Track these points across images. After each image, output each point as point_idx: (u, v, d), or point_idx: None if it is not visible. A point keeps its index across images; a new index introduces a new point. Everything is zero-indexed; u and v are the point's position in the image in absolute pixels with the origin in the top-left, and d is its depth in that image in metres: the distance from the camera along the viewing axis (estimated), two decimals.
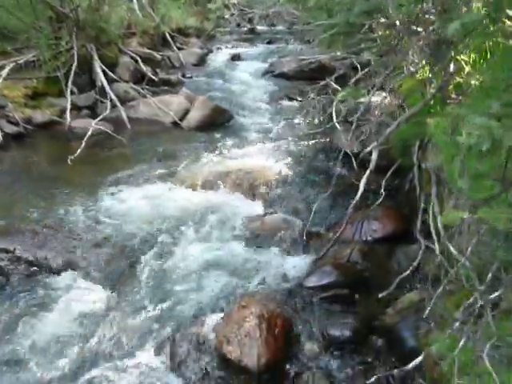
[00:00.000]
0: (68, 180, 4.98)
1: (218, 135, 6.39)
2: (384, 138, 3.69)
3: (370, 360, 2.67)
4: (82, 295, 3.24)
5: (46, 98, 7.26)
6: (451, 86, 3.32)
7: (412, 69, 4.33)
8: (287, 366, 2.53)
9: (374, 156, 3.71)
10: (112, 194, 4.62)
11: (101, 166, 5.45)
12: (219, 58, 12.10)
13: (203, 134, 6.50)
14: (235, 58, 11.95)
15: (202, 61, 11.34)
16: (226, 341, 2.51)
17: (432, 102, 3.37)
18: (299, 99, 8.24)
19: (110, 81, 7.60)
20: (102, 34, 8.01)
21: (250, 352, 2.43)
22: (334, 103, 5.15)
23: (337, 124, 5.12)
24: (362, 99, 5.80)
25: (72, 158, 5.17)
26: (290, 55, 11.01)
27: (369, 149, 3.69)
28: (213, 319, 2.81)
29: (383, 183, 3.96)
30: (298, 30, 13.15)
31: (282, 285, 3.23)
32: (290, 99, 8.35)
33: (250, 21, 16.97)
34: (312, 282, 3.16)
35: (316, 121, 6.03)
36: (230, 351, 2.48)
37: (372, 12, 5.69)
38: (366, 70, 6.30)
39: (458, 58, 3.38)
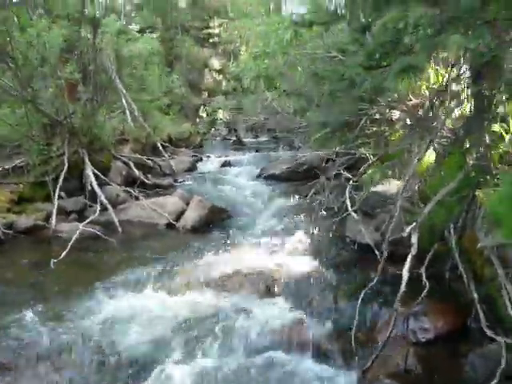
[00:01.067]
0: (48, 287, 4.32)
1: (216, 235, 5.91)
2: (423, 217, 3.26)
3: None
4: None
5: (32, 203, 6.85)
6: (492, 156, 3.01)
7: (436, 146, 4.13)
8: None
9: (414, 239, 3.24)
10: (100, 302, 3.92)
11: (88, 271, 4.81)
12: (209, 164, 12.17)
13: (201, 234, 6.02)
14: (225, 164, 12.04)
15: (192, 167, 11.35)
16: None
17: (473, 174, 3.03)
18: (297, 197, 8.02)
19: (102, 184, 7.28)
20: (95, 141, 7.90)
21: None
22: (347, 191, 4.82)
23: (353, 213, 4.72)
24: (377, 188, 5.55)
25: (55, 261, 4.56)
26: (279, 160, 11.13)
27: (407, 230, 3.23)
28: None
29: (423, 272, 3.44)
30: (284, 136, 13.60)
31: None
32: (287, 198, 8.09)
33: (236, 133, 17.63)
34: None
35: (323, 212, 5.68)
36: None
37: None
38: (366, 164, 6.20)
39: (496, 127, 3.14)
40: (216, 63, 19.40)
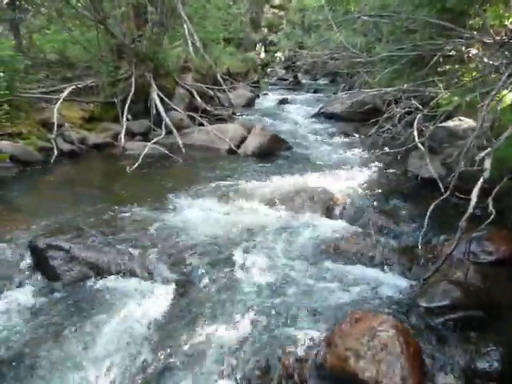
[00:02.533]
0: (123, 191, 4.63)
1: (277, 162, 6.02)
2: (500, 142, 3.17)
3: None
4: (143, 300, 2.71)
5: (102, 123, 7.18)
6: None
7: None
8: None
9: (487, 164, 3.17)
10: (171, 206, 4.20)
11: (157, 182, 5.10)
12: (267, 101, 12.11)
13: (262, 160, 6.13)
14: (283, 101, 11.91)
15: (250, 103, 11.34)
16: (355, 355, 1.89)
17: None
18: (357, 136, 7.91)
19: (166, 110, 7.47)
20: (160, 66, 8.03)
21: (391, 371, 1.80)
22: (416, 122, 4.69)
23: (420, 145, 4.62)
24: (447, 123, 5.38)
25: (130, 169, 4.85)
26: (340, 99, 10.83)
27: (482, 154, 3.15)
28: (315, 336, 2.20)
29: (490, 201, 3.40)
30: (345, 78, 13.13)
31: (391, 303, 2.61)
32: (347, 136, 7.98)
33: (294, 73, 17.22)
34: (429, 301, 2.53)
35: (386, 149, 5.61)
36: (362, 369, 1.85)
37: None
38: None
39: None
40: None
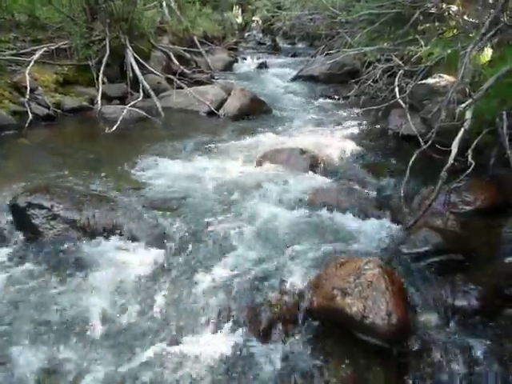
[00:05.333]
0: (102, 152, 4.55)
1: (259, 122, 5.98)
2: (481, 93, 3.21)
3: (500, 335, 2.09)
4: (127, 257, 2.71)
5: (76, 87, 6.95)
6: None
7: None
8: (412, 337, 1.96)
9: (469, 115, 3.23)
10: (151, 164, 4.16)
11: (135, 142, 5.03)
12: (246, 66, 11.90)
13: (242, 121, 6.09)
14: (262, 65, 11.72)
15: (228, 66, 11.12)
16: (342, 293, 1.95)
17: None
18: (337, 97, 7.89)
19: (143, 73, 7.27)
20: (134, 27, 7.76)
21: (377, 307, 1.86)
22: (397, 78, 4.70)
23: (401, 101, 4.64)
24: (427, 81, 5.40)
25: (109, 130, 4.75)
26: (318, 62, 10.74)
27: (463, 106, 3.20)
28: (301, 280, 2.25)
29: (470, 152, 3.47)
30: (323, 40, 12.95)
31: (374, 250, 2.69)
32: (327, 97, 7.96)
33: (272, 37, 16.89)
34: (411, 247, 2.61)
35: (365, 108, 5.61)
36: (349, 305, 1.91)
37: None
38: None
39: None
40: None
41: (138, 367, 1.93)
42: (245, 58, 13.19)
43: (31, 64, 6.24)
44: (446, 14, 6.18)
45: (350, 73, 9.28)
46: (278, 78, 9.98)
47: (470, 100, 3.26)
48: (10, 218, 3.00)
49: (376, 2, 7.16)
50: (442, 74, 5.64)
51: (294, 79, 9.91)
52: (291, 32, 16.54)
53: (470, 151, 3.58)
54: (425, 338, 2.00)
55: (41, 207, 2.95)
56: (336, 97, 7.88)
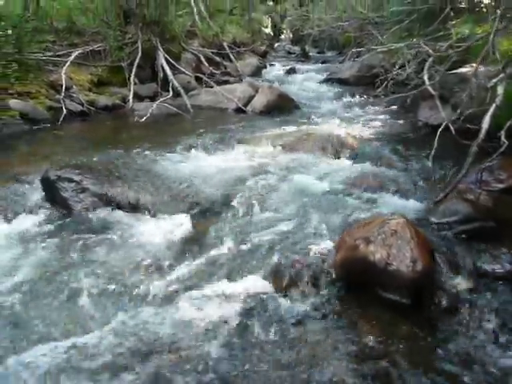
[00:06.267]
0: (131, 140, 4.65)
1: (286, 117, 5.98)
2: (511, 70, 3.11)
3: None
4: (155, 228, 2.73)
5: (110, 87, 7.19)
6: None
7: None
8: (438, 295, 1.88)
9: (500, 90, 3.14)
10: (179, 152, 4.21)
11: (165, 134, 5.11)
12: (274, 71, 12.00)
13: (270, 116, 6.11)
14: (291, 71, 11.77)
15: (257, 71, 11.22)
16: (364, 242, 1.89)
17: None
18: (365, 96, 7.82)
19: (173, 73, 7.45)
20: (166, 30, 7.99)
21: (401, 254, 1.80)
22: (426, 66, 4.61)
23: (430, 88, 4.54)
24: (456, 70, 5.29)
25: (140, 120, 4.86)
26: (347, 66, 10.74)
27: (495, 80, 3.11)
28: (328, 243, 2.21)
29: (503, 133, 3.35)
30: (353, 46, 12.92)
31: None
32: (356, 96, 7.90)
33: (302, 45, 17.02)
34: (441, 217, 2.52)
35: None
36: (372, 252, 1.86)
37: None
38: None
39: None
40: None
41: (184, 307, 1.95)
42: (273, 65, 13.32)
43: (67, 64, 6.51)
44: (478, 8, 6.07)
45: (378, 75, 9.18)
46: (306, 81, 9.99)
47: (501, 75, 3.16)
48: (42, 190, 3.08)
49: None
50: (474, 64, 5.49)
51: (323, 82, 9.90)
52: (320, 40, 16.66)
53: (502, 132, 3.48)
54: (452, 297, 1.91)
55: (70, 180, 3.04)
56: (365, 96, 7.81)
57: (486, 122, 3.09)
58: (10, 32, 5.29)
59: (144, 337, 1.84)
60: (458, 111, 4.32)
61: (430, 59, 4.76)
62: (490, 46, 3.82)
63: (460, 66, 5.42)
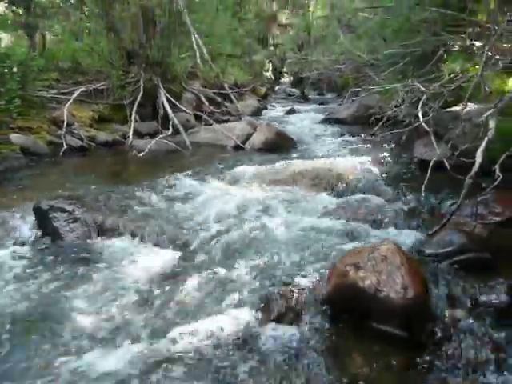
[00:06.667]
0: (129, 175, 4.71)
1: (284, 154, 6.03)
2: (504, 102, 3.17)
3: None
4: (146, 258, 2.69)
5: (111, 124, 7.33)
6: None
7: None
8: (432, 325, 1.81)
9: (492, 124, 3.18)
10: (174, 185, 4.23)
11: (162, 169, 5.11)
12: (274, 112, 12.26)
13: (267, 153, 6.16)
14: (290, 111, 12.04)
15: (257, 112, 11.45)
16: (354, 268, 1.84)
17: None
18: (363, 135, 7.93)
19: (173, 111, 7.60)
20: (168, 71, 8.23)
21: (391, 280, 1.74)
22: (420, 103, 4.71)
23: (424, 124, 4.61)
24: (451, 108, 5.39)
25: (138, 155, 4.91)
26: (345, 106, 11.00)
27: (486, 114, 3.15)
28: (318, 274, 2.16)
29: (497, 167, 3.37)
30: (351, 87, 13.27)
31: None
32: (353, 135, 8.02)
33: (301, 88, 17.48)
34: (436, 248, 2.48)
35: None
36: (361, 278, 1.80)
37: None
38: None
39: None
40: (284, 17, 19.11)
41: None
42: (273, 106, 13.64)
43: (69, 102, 6.66)
44: (471, 50, 6.25)
45: (375, 114, 9.37)
46: (305, 121, 10.18)
47: (492, 109, 3.21)
48: (34, 220, 3.06)
49: (400, 42, 7.38)
50: (468, 103, 5.61)
51: (321, 122, 10.08)
52: (319, 82, 17.12)
53: (497, 166, 3.50)
54: (446, 327, 1.84)
55: (62, 210, 3.03)
56: (362, 134, 7.91)
57: (479, 156, 3.10)
58: (15, 69, 5.44)
59: (126, 373, 1.77)
60: (449, 145, 4.39)
61: (424, 97, 4.87)
62: (482, 84, 3.92)
63: (454, 105, 5.53)
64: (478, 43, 6.11)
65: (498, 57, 4.45)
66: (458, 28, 5.75)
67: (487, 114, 3.22)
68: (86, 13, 8.25)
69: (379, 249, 1.90)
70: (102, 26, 7.70)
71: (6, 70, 5.25)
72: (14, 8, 7.63)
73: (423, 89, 5.20)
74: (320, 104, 14.64)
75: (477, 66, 4.80)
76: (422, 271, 1.99)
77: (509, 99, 3.23)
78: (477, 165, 3.07)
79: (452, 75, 5.13)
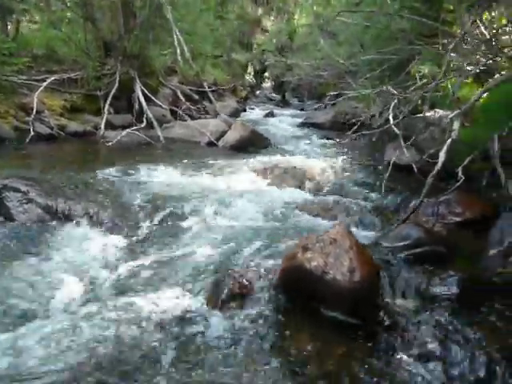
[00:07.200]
0: (95, 164, 4.58)
1: (257, 152, 6.00)
2: (468, 106, 3.22)
3: (478, 320, 1.90)
4: (95, 241, 2.60)
5: (83, 114, 7.16)
6: None
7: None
8: (381, 312, 1.79)
9: (456, 125, 3.22)
10: (141, 173, 4.15)
11: (130, 159, 5.01)
12: (253, 114, 12.24)
13: (240, 151, 6.12)
14: (269, 114, 12.05)
15: (236, 113, 11.38)
16: (302, 250, 1.80)
17: None
18: (338, 140, 7.99)
19: (148, 105, 7.49)
20: (145, 65, 8.11)
21: (339, 262, 1.71)
22: (391, 106, 4.76)
23: (394, 127, 4.67)
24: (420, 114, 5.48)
25: (107, 144, 4.80)
26: (323, 111, 11.12)
27: (451, 115, 3.20)
28: (270, 262, 2.12)
29: (460, 169, 3.42)
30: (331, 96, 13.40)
31: None
32: (328, 139, 8.07)
33: (282, 92, 17.58)
34: (392, 241, 2.47)
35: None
36: (308, 259, 1.76)
37: None
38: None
39: None
40: (268, 23, 19.19)
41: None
42: (253, 109, 13.63)
43: (40, 89, 6.48)
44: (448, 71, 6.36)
45: (351, 119, 9.49)
46: (283, 124, 10.20)
47: (457, 111, 3.26)
48: None
49: (378, 49, 7.49)
50: (437, 110, 5.71)
51: (299, 126, 10.12)
52: (300, 88, 17.23)
53: (460, 168, 3.55)
54: (397, 316, 1.83)
55: (17, 190, 2.91)
56: (337, 139, 7.96)
57: (442, 156, 3.13)
58: None
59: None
60: (416, 149, 4.45)
61: (395, 101, 4.93)
62: (450, 90, 3.99)
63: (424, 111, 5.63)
64: (452, 54, 6.24)
65: (466, 65, 4.54)
66: (434, 38, 5.86)
67: (452, 115, 3.26)
68: (68, 3, 8.06)
69: (329, 231, 1.88)
70: (80, 15, 7.54)
71: None
72: None
73: (394, 92, 5.28)
74: (300, 110, 14.72)
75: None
76: (371, 258, 1.97)
77: (473, 102, 3.28)
78: (439, 164, 3.10)
79: (424, 80, 5.21)
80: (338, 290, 1.72)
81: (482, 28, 5.20)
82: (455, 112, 3.26)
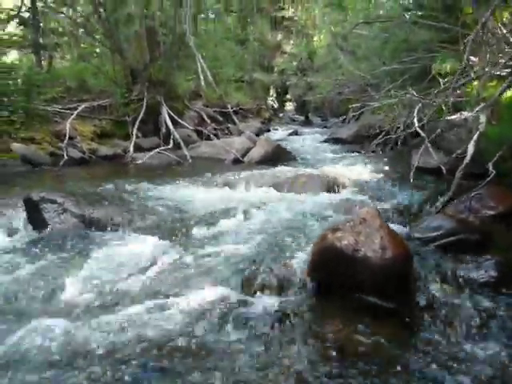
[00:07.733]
0: (126, 180, 4.69)
1: (282, 166, 6.04)
2: (493, 100, 3.19)
3: None
4: (134, 245, 2.67)
5: (112, 139, 7.42)
6: None
7: None
8: (415, 294, 1.75)
9: (483, 118, 3.18)
10: (172, 189, 4.23)
11: (160, 177, 5.14)
12: (277, 134, 12.36)
13: (266, 165, 6.17)
14: (293, 133, 12.17)
15: (259, 134, 11.51)
16: (332, 231, 1.80)
17: None
18: (363, 152, 7.97)
19: (175, 127, 7.70)
20: (171, 89, 8.40)
21: (370, 240, 1.69)
22: (416, 110, 4.74)
23: (419, 129, 4.64)
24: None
25: (136, 162, 4.95)
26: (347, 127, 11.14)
27: (477, 108, 3.17)
28: (303, 256, 2.13)
29: (490, 164, 3.35)
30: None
31: None
32: (352, 152, 8.06)
33: (305, 112, 17.74)
34: (424, 232, 2.43)
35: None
36: (339, 238, 1.75)
37: None
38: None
39: None
40: (288, 46, 19.57)
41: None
42: (276, 129, 13.77)
43: (73, 116, 6.80)
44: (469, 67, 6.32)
45: (375, 135, 9.45)
46: (307, 141, 10.26)
47: (482, 104, 3.23)
48: (24, 211, 3.07)
49: (398, 59, 7.53)
50: (463, 112, 5.64)
51: (323, 141, 10.15)
52: (322, 107, 17.34)
53: (490, 163, 3.48)
54: (432, 299, 1.78)
55: (53, 202, 3.03)
56: (362, 151, 7.95)
57: (470, 148, 3.09)
58: (19, 81, 5.59)
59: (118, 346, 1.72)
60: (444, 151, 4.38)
61: (419, 104, 4.91)
62: (475, 91, 3.95)
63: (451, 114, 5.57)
64: (473, 58, 6.19)
65: (487, 69, 4.48)
66: (455, 45, 5.85)
67: (478, 108, 3.23)
68: (97, 37, 8.49)
69: (358, 213, 1.87)
70: (108, 46, 7.93)
71: (10, 82, 5.39)
72: (23, 28, 7.91)
73: (417, 95, 5.26)
74: (323, 127, 14.78)
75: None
76: (403, 240, 1.95)
77: (497, 96, 3.24)
78: (468, 157, 3.06)
79: (447, 84, 5.18)
80: (369, 267, 1.70)
81: (503, 29, 5.18)
82: (481, 105, 3.23)
